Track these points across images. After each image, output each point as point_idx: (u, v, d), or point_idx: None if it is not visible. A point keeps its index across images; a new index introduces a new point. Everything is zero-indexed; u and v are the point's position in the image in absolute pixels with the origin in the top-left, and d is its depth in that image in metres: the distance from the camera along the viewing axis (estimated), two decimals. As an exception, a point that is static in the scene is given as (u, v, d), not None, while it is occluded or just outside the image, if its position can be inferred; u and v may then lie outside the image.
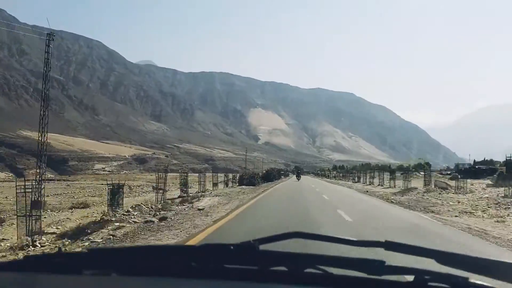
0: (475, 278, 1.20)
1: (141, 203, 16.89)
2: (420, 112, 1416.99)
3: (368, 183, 47.18)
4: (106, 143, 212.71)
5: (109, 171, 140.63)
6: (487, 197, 20.26)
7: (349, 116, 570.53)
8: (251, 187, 36.35)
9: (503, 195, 20.06)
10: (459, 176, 37.03)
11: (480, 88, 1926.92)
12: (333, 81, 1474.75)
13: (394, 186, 35.59)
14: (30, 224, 11.65)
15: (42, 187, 23.61)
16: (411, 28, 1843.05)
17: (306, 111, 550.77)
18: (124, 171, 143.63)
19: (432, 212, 14.97)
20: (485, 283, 1.19)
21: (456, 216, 13.80)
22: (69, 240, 10.29)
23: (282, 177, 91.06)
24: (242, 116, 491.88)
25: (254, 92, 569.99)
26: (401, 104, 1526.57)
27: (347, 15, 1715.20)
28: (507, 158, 24.58)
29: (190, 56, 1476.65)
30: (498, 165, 58.53)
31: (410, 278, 1.25)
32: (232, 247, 1.35)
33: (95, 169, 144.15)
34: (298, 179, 65.81)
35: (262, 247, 1.35)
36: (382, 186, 39.90)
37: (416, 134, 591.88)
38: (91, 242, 8.97)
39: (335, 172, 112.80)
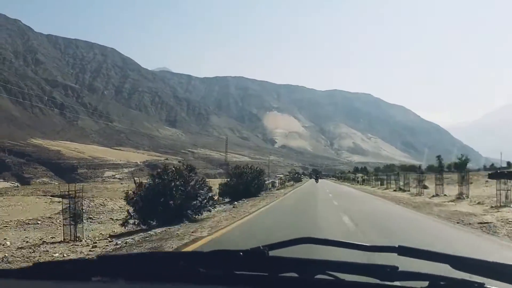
0: (491, 284, 1.17)
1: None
2: (440, 111, 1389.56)
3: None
4: (118, 149, 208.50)
5: (119, 178, 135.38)
6: None
7: (368, 117, 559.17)
8: None
9: None
10: None
11: (501, 85, 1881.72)
12: (349, 82, 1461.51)
13: None
14: None
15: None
16: (428, 27, 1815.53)
17: (323, 113, 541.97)
18: (136, 178, 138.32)
19: None
20: None
21: None
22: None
23: (280, 186, 56.09)
24: (258, 119, 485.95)
25: (269, 95, 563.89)
26: (420, 104, 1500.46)
27: (362, 16, 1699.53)
28: None
29: (204, 61, 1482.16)
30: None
31: (424, 284, 1.21)
32: (241, 253, 1.34)
33: (105, 177, 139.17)
34: (317, 182, 72.48)
35: (272, 253, 1.34)
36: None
37: (437, 134, 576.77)
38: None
39: (361, 175, 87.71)
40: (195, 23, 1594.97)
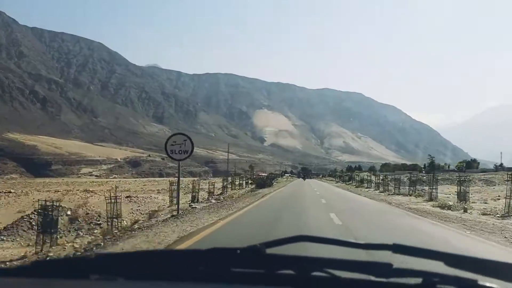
0: (484, 281, 1.18)
1: None
2: (430, 112, 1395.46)
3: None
4: (100, 145, 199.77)
5: (96, 176, 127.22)
6: None
7: (358, 116, 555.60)
8: None
9: None
10: None
11: (490, 87, 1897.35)
12: (340, 81, 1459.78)
13: None
14: None
15: None
16: (419, 27, 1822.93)
17: (314, 111, 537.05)
18: (114, 175, 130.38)
19: None
20: (494, 285, 1.16)
21: None
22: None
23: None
24: (248, 117, 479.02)
25: (259, 93, 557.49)
26: (410, 104, 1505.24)
27: (353, 15, 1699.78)
28: None
29: (195, 58, 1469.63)
30: None
31: (418, 280, 1.22)
32: (238, 251, 1.34)
33: (81, 174, 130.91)
34: (304, 180, 68.16)
35: (269, 250, 1.34)
36: None
37: (427, 134, 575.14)
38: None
39: (367, 173, 63.90)
40: (187, 19, 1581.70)
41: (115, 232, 10.24)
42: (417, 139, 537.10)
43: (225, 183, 32.27)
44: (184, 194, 27.08)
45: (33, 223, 14.25)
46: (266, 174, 79.20)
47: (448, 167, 79.92)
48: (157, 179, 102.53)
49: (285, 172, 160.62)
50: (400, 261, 1.37)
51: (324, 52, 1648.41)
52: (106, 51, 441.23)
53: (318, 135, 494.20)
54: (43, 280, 1.40)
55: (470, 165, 62.70)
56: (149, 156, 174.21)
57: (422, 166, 69.01)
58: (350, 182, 60.27)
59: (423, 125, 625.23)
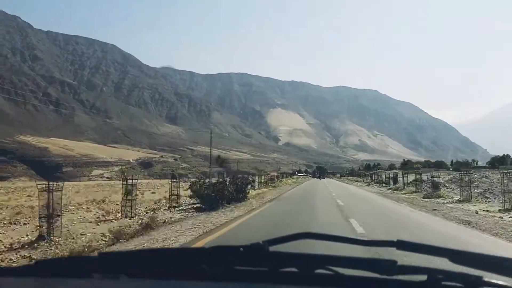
0: (489, 277, 1.17)
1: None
2: (446, 108, 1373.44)
3: None
4: (113, 147, 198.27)
5: (107, 177, 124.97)
6: None
7: (374, 114, 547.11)
8: None
9: None
10: None
11: (506, 84, 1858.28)
12: (355, 79, 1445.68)
13: None
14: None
15: None
16: (435, 24, 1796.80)
17: (329, 110, 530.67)
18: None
19: None
20: (499, 282, 1.16)
21: None
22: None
23: None
24: (261, 116, 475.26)
25: (273, 92, 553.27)
26: (426, 101, 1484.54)
27: (367, 12, 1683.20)
28: None
29: (208, 58, 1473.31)
30: None
31: (423, 277, 1.21)
32: (241, 249, 1.33)
33: (92, 176, 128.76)
34: (320, 179, 66.39)
35: (272, 248, 1.34)
36: None
37: (445, 131, 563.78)
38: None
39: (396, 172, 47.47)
40: (199, 20, 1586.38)
41: None
42: (434, 136, 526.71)
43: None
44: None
45: None
46: (276, 174, 75.13)
47: (476, 163, 75.45)
48: (162, 181, 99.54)
49: (299, 171, 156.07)
50: (405, 258, 1.42)
51: (338, 50, 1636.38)
52: (120, 53, 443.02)
53: (333, 134, 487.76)
54: (46, 280, 1.40)
55: (503, 160, 58.22)
56: (162, 157, 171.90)
57: (449, 163, 64.59)
58: (396, 186, 36.33)
59: (440, 122, 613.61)
